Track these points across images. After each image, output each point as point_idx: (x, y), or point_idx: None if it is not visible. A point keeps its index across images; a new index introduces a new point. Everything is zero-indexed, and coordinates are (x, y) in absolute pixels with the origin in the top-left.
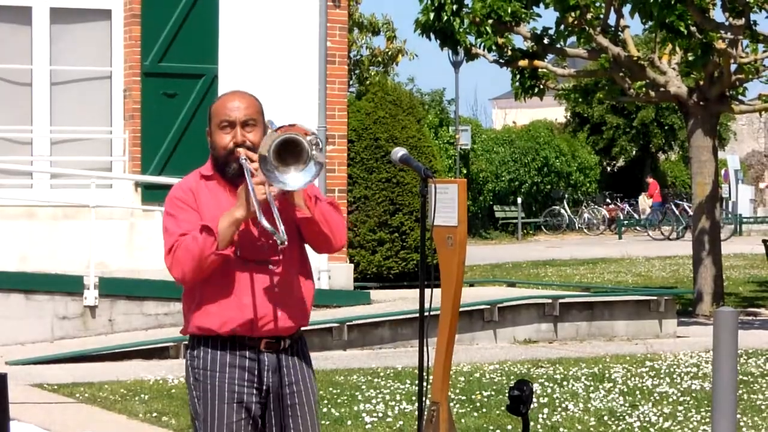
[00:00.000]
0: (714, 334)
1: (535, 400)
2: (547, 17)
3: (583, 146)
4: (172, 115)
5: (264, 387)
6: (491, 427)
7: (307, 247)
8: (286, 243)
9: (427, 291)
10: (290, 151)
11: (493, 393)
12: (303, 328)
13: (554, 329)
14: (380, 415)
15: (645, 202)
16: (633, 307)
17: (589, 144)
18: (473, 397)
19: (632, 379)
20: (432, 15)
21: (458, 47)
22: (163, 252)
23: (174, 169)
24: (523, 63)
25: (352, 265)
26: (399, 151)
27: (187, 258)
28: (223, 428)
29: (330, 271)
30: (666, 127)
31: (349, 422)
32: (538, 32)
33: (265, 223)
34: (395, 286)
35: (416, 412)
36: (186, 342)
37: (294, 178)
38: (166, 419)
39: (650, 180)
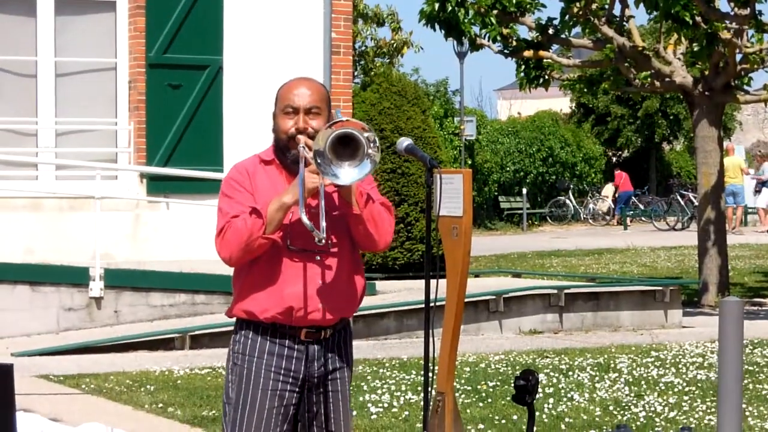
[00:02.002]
0: (719, 324)
1: (540, 390)
2: (552, 7)
3: (588, 137)
4: (177, 106)
5: (300, 376)
6: (497, 417)
7: None
8: (323, 241)
9: (433, 281)
10: (346, 146)
11: (498, 383)
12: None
13: (559, 319)
14: (386, 405)
15: (609, 189)
16: (638, 297)
17: (594, 134)
18: (479, 387)
19: (637, 369)
20: (437, 5)
21: (463, 38)
22: (215, 232)
23: (179, 160)
24: (528, 53)
25: None
26: (404, 142)
27: (235, 240)
28: (254, 414)
29: None
30: (671, 117)
31: (354, 412)
32: (543, 22)
33: (304, 218)
34: (401, 276)
35: (422, 403)
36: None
37: (347, 173)
38: (171, 410)
39: (617, 171)
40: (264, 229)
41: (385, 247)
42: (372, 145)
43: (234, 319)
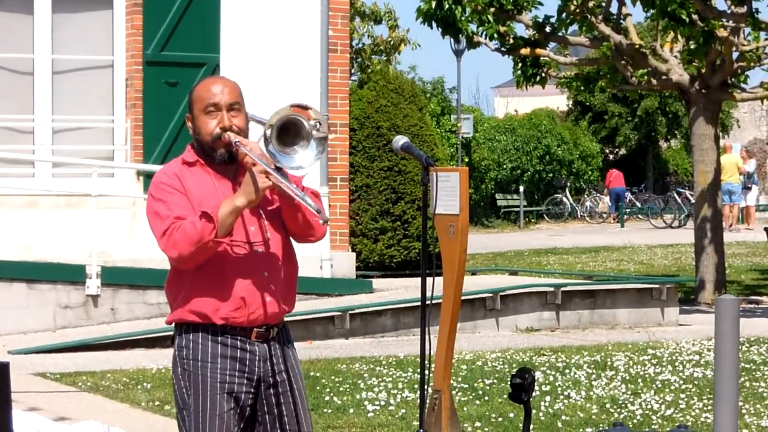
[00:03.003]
0: (716, 322)
1: (537, 388)
2: (548, 5)
3: (585, 134)
4: (173, 104)
5: (255, 377)
6: (493, 415)
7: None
8: (328, 221)
9: (429, 279)
10: (287, 132)
11: (495, 381)
12: (287, 316)
13: (556, 317)
14: (382, 403)
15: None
16: (635, 295)
17: (591, 132)
18: (475, 385)
19: (634, 367)
20: (434, 3)
21: (460, 35)
22: (156, 236)
23: (176, 157)
24: (524, 51)
25: (354, 254)
26: (400, 140)
27: (185, 242)
28: (215, 418)
29: (332, 259)
30: (670, 115)
31: (351, 410)
32: (540, 20)
33: (308, 200)
34: (397, 274)
35: (418, 401)
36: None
37: (303, 157)
38: (168, 408)
39: (610, 170)
40: (215, 233)
41: (322, 235)
42: (315, 127)
43: (174, 325)
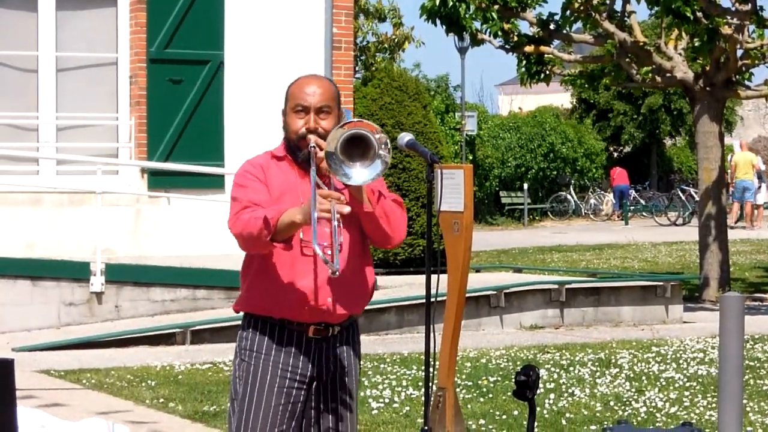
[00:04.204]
0: (720, 320)
1: (541, 385)
2: (553, 3)
3: (589, 132)
4: (178, 102)
5: (308, 374)
6: (497, 413)
7: None
8: (337, 273)
9: (434, 277)
10: (357, 146)
11: (499, 378)
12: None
13: (561, 315)
14: (387, 400)
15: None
16: (639, 292)
17: (596, 130)
18: (480, 382)
19: (638, 364)
20: (438, 0)
21: (464, 33)
22: (228, 217)
23: (180, 155)
24: (529, 49)
25: None
26: (405, 137)
27: (243, 232)
28: (260, 411)
29: None
30: (674, 112)
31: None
32: (544, 18)
33: (317, 250)
34: (402, 272)
35: (423, 398)
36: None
37: (358, 173)
38: (172, 405)
39: (613, 168)
40: (269, 239)
41: (398, 242)
42: (383, 146)
43: (241, 314)
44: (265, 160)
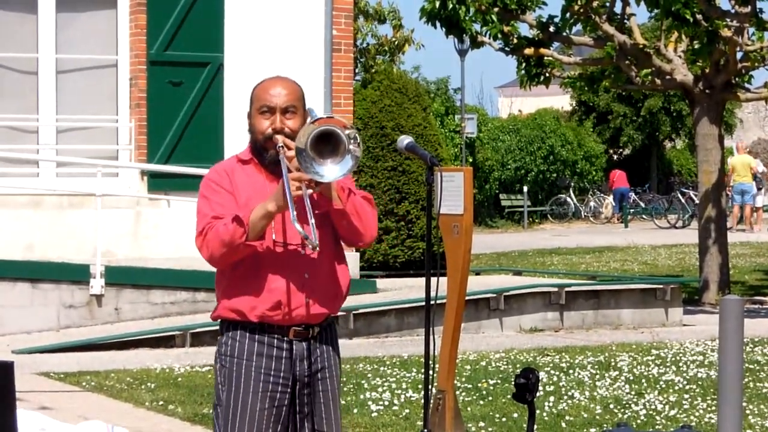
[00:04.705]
0: (720, 323)
1: (541, 388)
2: (552, 5)
3: (589, 135)
4: (178, 104)
5: (290, 377)
6: (497, 415)
7: None
8: (317, 248)
9: (434, 279)
10: (327, 143)
11: (499, 381)
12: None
13: (560, 318)
14: (386, 403)
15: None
16: (639, 295)
17: (596, 133)
18: (479, 385)
19: (638, 367)
20: (437, 3)
21: (464, 35)
22: (195, 233)
23: (180, 157)
24: (528, 51)
25: (358, 254)
26: (405, 139)
27: (217, 243)
28: (246, 417)
29: None
30: (674, 114)
31: (355, 410)
32: (544, 20)
33: (297, 226)
34: (401, 274)
35: (422, 401)
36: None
37: (330, 170)
38: (172, 408)
39: (612, 171)
40: (245, 236)
41: (371, 240)
42: (353, 141)
43: (219, 321)
44: (230, 164)
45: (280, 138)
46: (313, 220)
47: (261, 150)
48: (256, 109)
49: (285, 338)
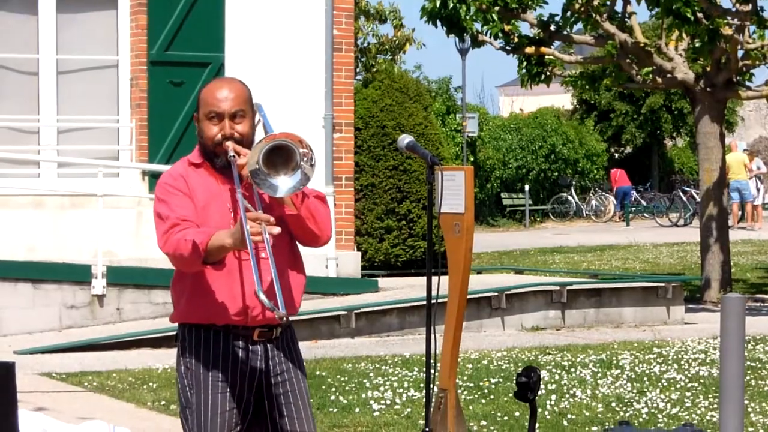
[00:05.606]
0: (721, 321)
1: (542, 386)
2: (553, 4)
3: (590, 133)
4: (178, 104)
5: (256, 377)
6: (499, 414)
7: None
8: (285, 319)
9: (435, 278)
10: (279, 155)
11: (500, 380)
12: (292, 318)
13: (562, 316)
14: (388, 402)
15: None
16: (641, 293)
17: (597, 131)
18: (481, 384)
19: (640, 365)
20: (438, 2)
21: (464, 34)
22: (157, 236)
23: (181, 157)
24: (529, 50)
25: (360, 253)
26: (405, 139)
27: (175, 253)
28: (216, 417)
29: (337, 259)
30: (676, 112)
31: (357, 409)
32: (545, 19)
33: (262, 297)
34: (403, 273)
35: (424, 400)
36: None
37: (284, 182)
38: (174, 407)
39: (613, 170)
40: (200, 262)
41: (327, 240)
42: (306, 159)
43: (178, 324)
44: (183, 168)
45: (230, 145)
46: (277, 282)
47: (211, 155)
48: (203, 114)
49: (250, 339)
